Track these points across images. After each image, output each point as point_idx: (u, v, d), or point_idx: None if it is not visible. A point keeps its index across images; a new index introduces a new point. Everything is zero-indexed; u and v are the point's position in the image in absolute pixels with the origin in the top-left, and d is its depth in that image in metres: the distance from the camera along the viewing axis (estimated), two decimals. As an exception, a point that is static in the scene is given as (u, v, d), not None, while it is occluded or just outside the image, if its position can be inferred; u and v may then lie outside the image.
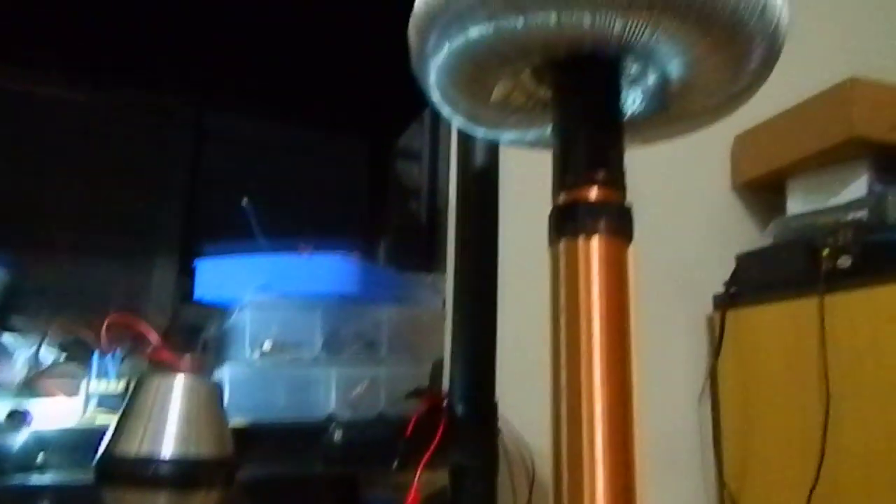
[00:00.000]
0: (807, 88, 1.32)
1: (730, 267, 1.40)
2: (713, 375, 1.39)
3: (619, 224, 0.55)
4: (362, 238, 1.21)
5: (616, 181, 0.56)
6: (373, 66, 1.04)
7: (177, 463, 0.46)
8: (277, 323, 0.74)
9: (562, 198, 0.56)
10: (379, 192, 1.28)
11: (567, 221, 0.55)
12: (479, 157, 0.82)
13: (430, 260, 1.20)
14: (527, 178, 1.04)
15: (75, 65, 1.08)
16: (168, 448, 0.46)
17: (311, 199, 1.24)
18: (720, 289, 1.39)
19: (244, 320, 0.73)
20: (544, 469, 0.88)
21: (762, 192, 1.50)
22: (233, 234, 0.81)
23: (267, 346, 0.73)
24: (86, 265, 1.09)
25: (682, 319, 1.41)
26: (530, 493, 0.86)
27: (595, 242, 0.54)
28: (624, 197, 0.56)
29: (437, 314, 0.84)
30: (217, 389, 0.51)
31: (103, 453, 0.48)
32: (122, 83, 1.13)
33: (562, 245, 0.55)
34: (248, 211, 0.75)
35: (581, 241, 0.54)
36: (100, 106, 1.13)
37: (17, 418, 0.56)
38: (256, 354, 0.72)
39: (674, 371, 1.38)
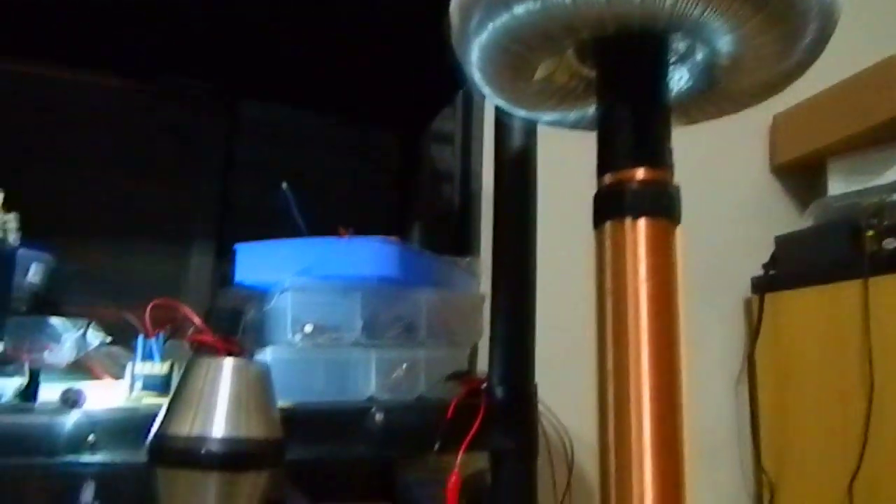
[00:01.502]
0: (849, 67, 1.28)
1: (768, 250, 1.37)
2: (751, 360, 1.37)
3: (667, 205, 0.54)
4: (395, 225, 1.21)
5: (663, 161, 0.55)
6: (404, 50, 1.04)
7: (227, 444, 0.47)
8: (318, 306, 0.74)
9: (607, 179, 0.55)
10: (411, 178, 1.28)
11: (613, 203, 0.55)
12: (516, 140, 0.81)
13: (465, 245, 1.20)
14: (563, 161, 1.03)
15: (109, 52, 1.08)
16: (218, 430, 0.47)
17: (344, 186, 1.24)
18: (758, 272, 1.37)
19: (285, 304, 0.73)
20: (583, 454, 0.88)
21: (802, 174, 1.47)
22: (267, 221, 0.81)
23: (308, 328, 0.73)
24: (124, 253, 1.10)
25: (719, 304, 1.39)
26: (569, 477, 0.86)
27: (642, 224, 0.53)
28: (671, 177, 0.55)
29: (476, 298, 0.83)
30: (265, 372, 0.52)
31: (155, 435, 0.48)
32: (155, 70, 1.13)
33: (607, 227, 0.55)
34: (287, 195, 0.75)
35: (627, 223, 0.53)
36: (133, 93, 1.14)
37: (71, 399, 0.57)
38: (298, 337, 0.73)
39: (710, 357, 1.37)
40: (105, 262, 1.08)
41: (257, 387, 0.50)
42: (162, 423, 0.49)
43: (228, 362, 0.49)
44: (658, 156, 0.55)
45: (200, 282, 1.11)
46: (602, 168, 0.56)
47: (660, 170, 0.55)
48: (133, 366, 0.74)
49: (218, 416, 0.47)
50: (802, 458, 1.26)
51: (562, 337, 1.03)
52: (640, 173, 0.54)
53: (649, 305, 0.53)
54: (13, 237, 0.66)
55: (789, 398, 1.29)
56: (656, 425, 0.51)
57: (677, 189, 0.55)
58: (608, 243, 0.54)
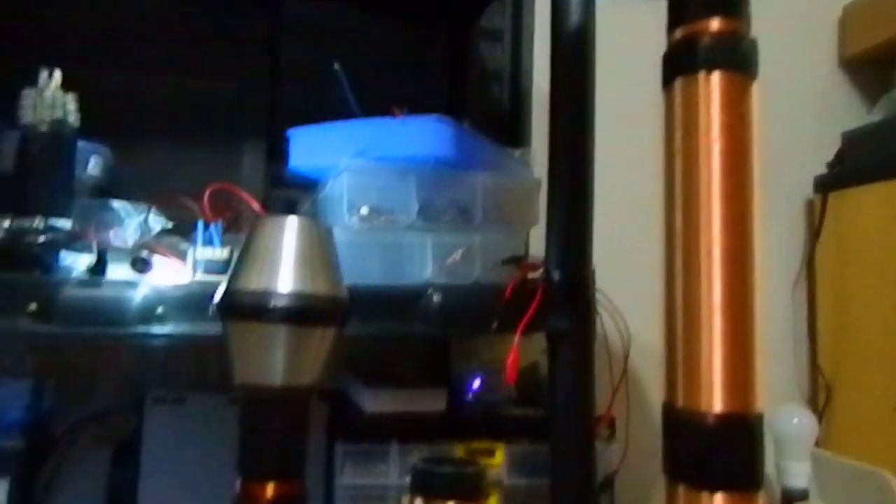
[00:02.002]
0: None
1: (833, 148, 1.31)
2: (810, 263, 1.33)
3: (743, 58, 0.51)
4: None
5: (740, 11, 0.52)
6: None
7: (294, 298, 0.47)
8: (373, 189, 0.74)
9: (678, 33, 0.52)
10: (460, 76, 1.25)
11: (684, 57, 0.52)
12: (573, 15, 0.77)
13: (515, 142, 1.17)
14: (621, 37, 0.99)
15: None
16: (285, 285, 0.47)
17: (390, 85, 1.22)
18: (822, 171, 1.31)
19: (341, 186, 0.73)
20: (639, 343, 0.87)
21: (872, 67, 1.38)
22: (316, 120, 0.80)
23: (364, 211, 0.73)
24: (177, 156, 1.11)
25: (778, 204, 1.34)
26: (625, 364, 0.86)
27: (716, 78, 0.50)
28: (748, 29, 0.52)
29: (532, 182, 0.81)
30: (328, 232, 0.52)
31: (224, 291, 0.49)
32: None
33: (677, 84, 0.52)
34: (339, 75, 0.74)
35: (700, 77, 0.51)
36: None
37: (141, 263, 0.58)
38: (354, 220, 0.73)
39: (768, 260, 1.33)
40: (157, 164, 1.09)
41: (321, 245, 0.50)
42: (230, 279, 0.49)
43: (292, 219, 0.49)
44: (734, 4, 0.51)
45: (253, 182, 1.11)
46: (673, 23, 0.53)
47: (736, 20, 0.51)
48: (194, 251, 0.75)
49: (284, 271, 0.48)
50: (861, 360, 1.23)
51: (618, 230, 1.01)
52: (715, 24, 0.51)
53: (722, 163, 0.50)
54: (73, 118, 0.66)
55: (849, 299, 1.25)
56: (727, 285, 0.50)
57: (754, 42, 0.52)
58: (678, 100, 0.52)
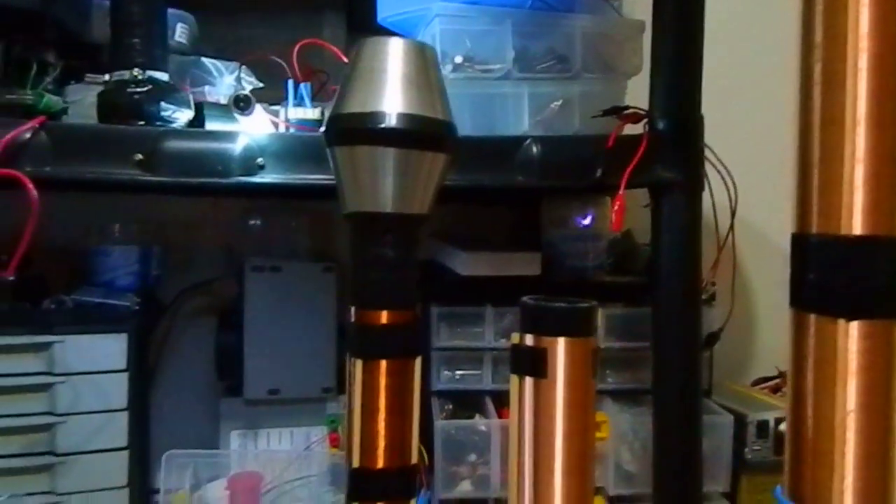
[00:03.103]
0: None
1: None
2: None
3: None
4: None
5: None
6: None
7: (404, 119, 0.45)
8: (467, 36, 0.70)
9: None
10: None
11: None
12: None
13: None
14: None
15: None
16: (394, 106, 0.45)
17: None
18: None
19: (433, 34, 0.70)
20: (746, 199, 0.83)
21: None
22: None
23: (458, 59, 0.70)
24: (259, 26, 1.09)
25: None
26: (732, 220, 0.81)
27: None
28: None
29: (635, 25, 0.76)
30: (434, 55, 0.49)
31: (331, 116, 0.48)
32: None
33: None
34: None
35: None
36: None
37: (243, 103, 0.57)
38: (448, 69, 0.70)
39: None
40: (238, 37, 1.07)
41: (427, 68, 0.47)
42: (336, 104, 0.48)
43: (397, 40, 0.47)
44: None
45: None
46: None
47: None
48: (286, 110, 0.74)
49: (392, 93, 0.46)
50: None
51: (727, 78, 0.94)
52: None
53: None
54: (160, -34, 0.65)
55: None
56: (874, 97, 0.45)
57: None
58: None
